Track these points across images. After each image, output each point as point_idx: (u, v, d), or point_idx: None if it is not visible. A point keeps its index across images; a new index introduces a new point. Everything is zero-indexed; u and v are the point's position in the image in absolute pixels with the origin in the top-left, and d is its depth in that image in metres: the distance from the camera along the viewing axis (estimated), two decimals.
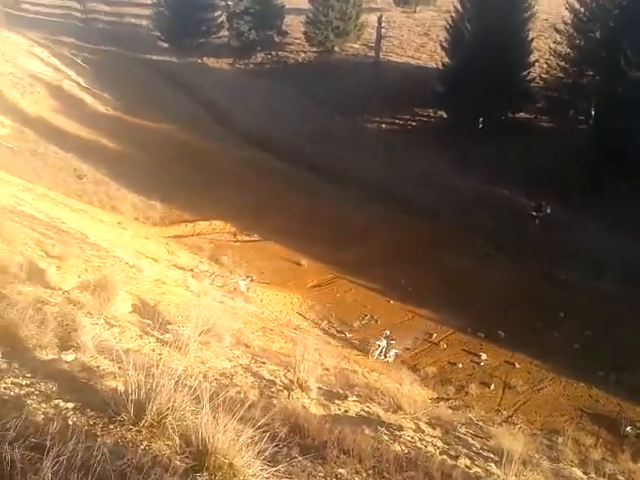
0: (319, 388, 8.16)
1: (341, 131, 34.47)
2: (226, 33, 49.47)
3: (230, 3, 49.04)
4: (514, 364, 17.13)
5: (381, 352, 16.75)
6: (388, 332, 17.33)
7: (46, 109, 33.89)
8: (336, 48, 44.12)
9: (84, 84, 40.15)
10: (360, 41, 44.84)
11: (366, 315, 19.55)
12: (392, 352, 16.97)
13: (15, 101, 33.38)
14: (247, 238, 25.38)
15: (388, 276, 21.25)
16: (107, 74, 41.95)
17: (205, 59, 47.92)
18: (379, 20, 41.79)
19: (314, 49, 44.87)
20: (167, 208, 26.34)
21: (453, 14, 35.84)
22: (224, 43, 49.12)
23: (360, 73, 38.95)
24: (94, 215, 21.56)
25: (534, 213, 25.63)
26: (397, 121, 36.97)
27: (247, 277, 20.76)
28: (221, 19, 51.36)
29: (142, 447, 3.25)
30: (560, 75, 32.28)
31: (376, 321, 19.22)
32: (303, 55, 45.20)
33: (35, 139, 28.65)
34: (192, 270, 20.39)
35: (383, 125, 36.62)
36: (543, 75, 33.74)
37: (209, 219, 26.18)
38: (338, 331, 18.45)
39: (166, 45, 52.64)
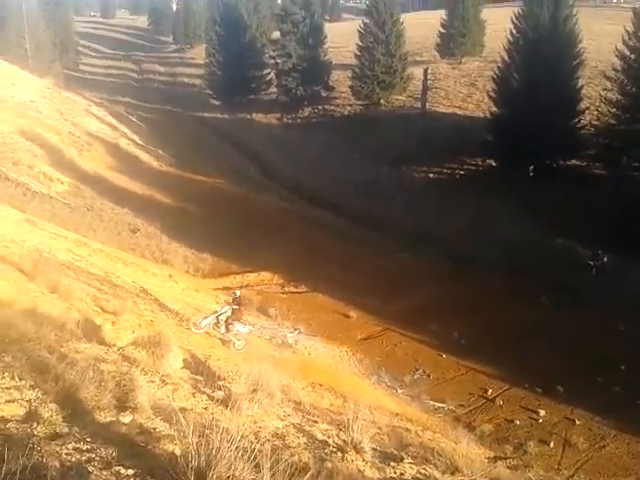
0: (373, 449, 7.87)
1: (388, 182, 34.58)
2: (275, 90, 51.16)
3: (278, 61, 50.88)
4: (574, 420, 16.20)
5: (216, 326, 15.01)
6: (238, 292, 16.72)
7: (103, 166, 35.31)
8: (382, 101, 44.87)
9: (139, 141, 41.86)
10: (406, 93, 45.54)
11: (417, 369, 18.97)
12: (241, 329, 15.35)
13: (73, 159, 34.86)
14: (295, 289, 25.27)
15: (440, 329, 20.67)
16: (161, 132, 43.76)
17: (254, 115, 49.42)
18: (425, 72, 42.37)
19: (360, 102, 45.75)
20: (217, 260, 26.61)
21: (500, 64, 35.95)
22: (273, 99, 50.72)
23: (407, 124, 39.31)
24: (147, 268, 21.95)
25: (590, 262, 24.71)
26: (445, 170, 36.89)
27: (295, 329, 20.54)
28: (270, 76, 53.28)
29: None
30: (612, 122, 31.70)
31: (428, 376, 18.61)
32: (349, 108, 46.11)
33: (92, 195, 29.69)
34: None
35: (431, 175, 36.60)
36: (594, 122, 33.17)
37: (257, 270, 26.28)
38: (388, 386, 17.94)
39: (217, 103, 54.78)
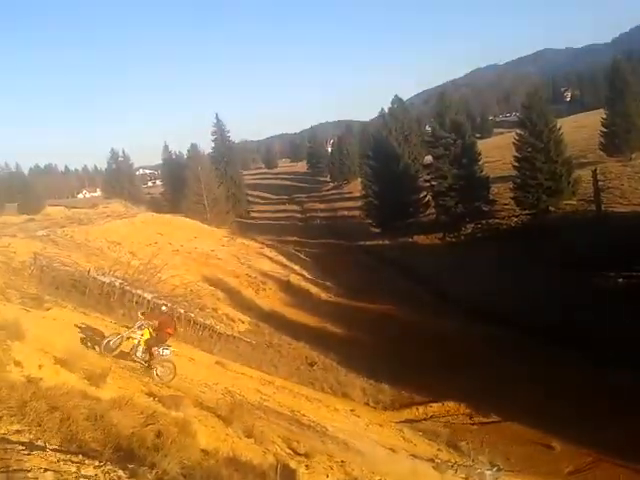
0: None
1: (571, 291, 31.70)
2: (433, 211, 51.33)
3: (434, 183, 51.49)
4: None
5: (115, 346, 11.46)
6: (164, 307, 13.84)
7: (277, 303, 36.76)
8: (551, 208, 42.88)
9: (308, 275, 43.44)
10: (576, 197, 43.21)
11: None
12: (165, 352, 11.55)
13: (251, 298, 36.77)
14: (485, 419, 22.99)
15: None
16: (327, 264, 45.21)
17: (415, 237, 49.56)
18: (594, 174, 40.20)
19: (527, 212, 44.07)
20: (396, 390, 25.42)
21: None
22: (432, 220, 50.85)
23: (583, 228, 36.76)
24: (328, 404, 21.40)
25: None
26: (635, 274, 33.12)
27: (492, 466, 18.33)
28: (427, 199, 53.82)
29: None
30: None
31: None
32: (515, 219, 44.59)
33: (270, 331, 30.63)
34: (432, 460, 18.68)
35: (620, 280, 33.03)
36: None
37: (441, 400, 24.52)
38: None
39: (378, 230, 56.12)
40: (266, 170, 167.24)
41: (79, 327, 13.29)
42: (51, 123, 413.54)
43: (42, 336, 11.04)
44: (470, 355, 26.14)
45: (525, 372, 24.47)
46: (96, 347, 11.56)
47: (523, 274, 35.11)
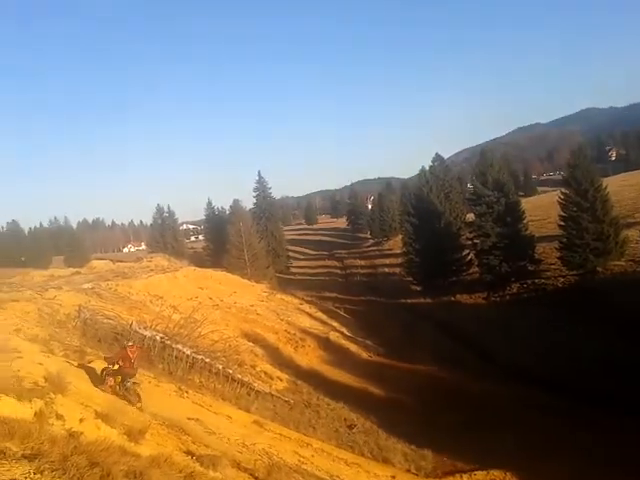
0: None
1: (626, 357, 30.23)
2: (476, 269, 50.48)
3: (477, 242, 50.81)
4: None
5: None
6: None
7: (316, 360, 36.16)
8: (598, 268, 41.59)
9: (348, 333, 42.83)
10: (624, 258, 41.82)
11: None
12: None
13: (289, 355, 36.31)
14: None
15: None
16: (367, 321, 44.60)
17: (458, 296, 48.65)
18: None
19: (573, 272, 42.90)
20: (439, 456, 24.32)
21: None
22: (475, 279, 49.97)
23: (634, 290, 35.31)
24: (368, 469, 20.59)
25: None
26: None
27: None
28: (469, 257, 53.05)
29: None
30: None
31: None
32: (562, 280, 43.37)
33: (308, 390, 30.01)
34: None
35: None
36: None
37: (486, 468, 23.31)
38: None
39: (419, 288, 55.41)
40: (306, 226, 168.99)
41: None
42: (101, 181, 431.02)
43: (84, 389, 11.04)
44: (515, 419, 25.00)
45: (576, 439, 23.19)
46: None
47: (571, 336, 33.84)
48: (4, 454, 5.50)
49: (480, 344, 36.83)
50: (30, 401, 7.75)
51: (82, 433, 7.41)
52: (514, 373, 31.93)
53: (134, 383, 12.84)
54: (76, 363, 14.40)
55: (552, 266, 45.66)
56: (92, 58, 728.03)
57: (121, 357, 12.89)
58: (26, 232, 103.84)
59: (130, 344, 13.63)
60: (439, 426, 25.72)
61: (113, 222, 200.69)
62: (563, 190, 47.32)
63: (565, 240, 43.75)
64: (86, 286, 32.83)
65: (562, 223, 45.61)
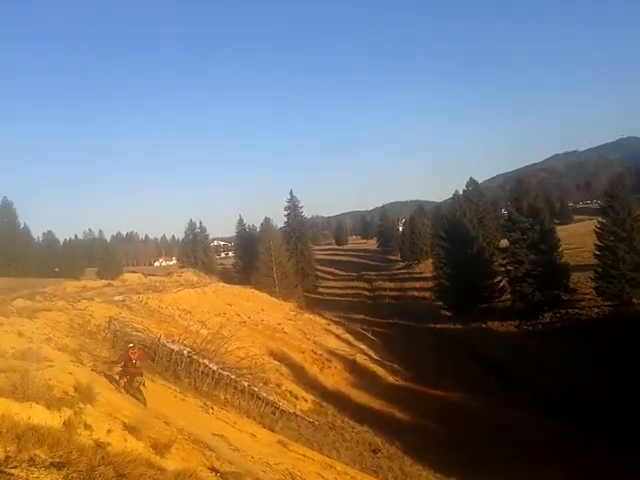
0: None
1: None
2: (509, 296, 49.64)
3: (510, 268, 50.02)
4: None
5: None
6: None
7: (342, 382, 35.79)
8: (634, 300, 40.53)
9: (375, 356, 42.36)
10: None
11: None
12: None
13: (315, 376, 36.00)
14: None
15: None
16: (395, 345, 44.06)
17: (489, 323, 47.81)
18: None
19: (608, 303, 41.84)
20: None
21: None
22: (508, 306, 49.12)
23: None
24: None
25: None
26: None
27: None
28: (502, 284, 52.20)
29: None
30: None
31: None
32: (597, 310, 42.30)
33: (333, 412, 29.65)
34: None
35: None
36: None
37: None
38: None
39: (449, 313, 54.67)
40: (336, 246, 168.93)
41: None
42: (137, 194, 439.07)
43: (112, 400, 11.09)
44: (547, 451, 24.25)
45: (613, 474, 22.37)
46: None
47: (605, 369, 32.84)
48: (33, 461, 5.54)
49: (511, 373, 36.05)
50: (59, 410, 7.77)
51: (109, 444, 7.41)
52: (546, 403, 31.07)
53: (139, 382, 13.31)
54: (104, 374, 14.52)
55: (587, 296, 44.69)
56: (126, 76, 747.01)
57: (124, 359, 13.48)
58: (61, 243, 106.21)
59: (131, 345, 14.06)
60: (466, 454, 25.13)
61: (146, 236, 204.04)
62: (600, 219, 46.51)
63: (601, 270, 42.88)
64: (117, 298, 33.20)
65: (598, 252, 44.75)
